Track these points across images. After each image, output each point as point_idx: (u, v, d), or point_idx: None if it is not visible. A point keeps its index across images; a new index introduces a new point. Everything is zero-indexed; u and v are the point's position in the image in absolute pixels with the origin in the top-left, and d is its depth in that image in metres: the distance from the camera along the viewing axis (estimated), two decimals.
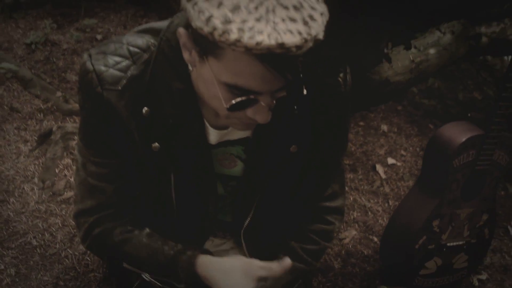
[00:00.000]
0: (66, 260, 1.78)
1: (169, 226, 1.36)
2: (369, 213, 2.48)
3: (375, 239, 2.35)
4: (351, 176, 2.61)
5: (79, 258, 1.79)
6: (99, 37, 3.11)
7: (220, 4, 0.81)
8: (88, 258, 1.80)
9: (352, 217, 2.42)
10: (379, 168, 2.76)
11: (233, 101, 0.95)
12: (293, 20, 0.82)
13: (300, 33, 0.81)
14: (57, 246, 1.82)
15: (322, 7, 0.88)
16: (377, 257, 2.25)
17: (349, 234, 2.32)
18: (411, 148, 3.01)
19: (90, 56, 1.16)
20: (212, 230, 1.48)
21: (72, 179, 2.09)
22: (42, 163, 2.12)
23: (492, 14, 2.47)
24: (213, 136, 1.24)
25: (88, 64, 1.14)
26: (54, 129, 2.19)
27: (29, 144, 2.24)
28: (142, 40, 1.18)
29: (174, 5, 2.98)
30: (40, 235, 1.85)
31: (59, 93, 2.54)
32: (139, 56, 1.16)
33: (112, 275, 1.75)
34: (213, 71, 0.95)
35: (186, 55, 1.02)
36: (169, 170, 1.25)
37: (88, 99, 1.16)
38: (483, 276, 2.44)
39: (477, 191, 2.05)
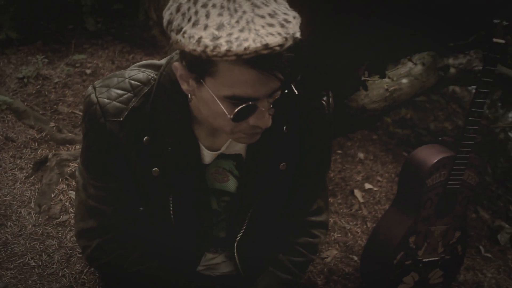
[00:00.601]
0: (64, 279, 1.82)
1: (167, 244, 1.42)
2: (349, 234, 2.57)
3: (355, 258, 2.43)
4: (331, 200, 2.71)
5: (76, 277, 1.84)
6: (88, 71, 3.19)
7: (206, 27, 0.93)
8: (84, 277, 1.84)
9: (333, 238, 2.51)
10: (357, 193, 2.87)
11: (236, 110, 1.03)
12: (271, 25, 0.93)
13: (279, 33, 0.93)
14: (55, 266, 1.86)
15: (293, 13, 1.00)
16: (358, 275, 2.34)
17: (331, 254, 2.41)
18: (386, 174, 3.12)
19: (94, 89, 1.24)
20: (207, 247, 1.53)
21: (67, 203, 2.15)
22: (38, 189, 2.17)
23: (459, 47, 2.62)
24: (208, 157, 1.33)
25: (93, 97, 1.22)
26: (49, 156, 2.25)
27: (24, 171, 2.29)
28: (143, 75, 1.27)
29: (160, 41, 3.09)
30: (37, 256, 1.89)
31: (52, 123, 2.60)
32: (140, 89, 1.25)
33: None
34: (212, 89, 1.04)
35: (184, 86, 1.13)
36: (168, 192, 1.32)
37: (92, 129, 1.24)
38: None
39: (450, 210, 2.17)
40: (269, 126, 1.12)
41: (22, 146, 2.45)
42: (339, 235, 2.54)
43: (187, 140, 1.27)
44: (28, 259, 1.88)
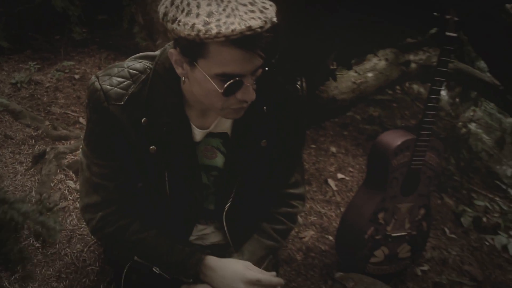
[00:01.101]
0: (66, 257, 1.96)
1: (163, 215, 1.58)
2: (324, 217, 2.75)
3: (330, 237, 2.60)
4: (307, 188, 2.89)
5: (77, 255, 1.97)
6: (77, 76, 3.33)
7: (198, 15, 1.12)
8: (85, 255, 1.98)
9: (309, 221, 2.69)
10: (330, 181, 3.05)
11: (225, 85, 1.21)
12: (252, 11, 1.12)
13: (259, 17, 1.12)
14: (57, 246, 2.00)
15: (270, 1, 1.19)
16: (333, 252, 2.50)
17: (308, 234, 2.58)
18: (357, 166, 3.31)
19: (97, 77, 1.41)
20: (198, 218, 1.68)
21: (66, 191, 2.28)
22: (38, 179, 2.29)
23: (419, 44, 2.84)
24: (198, 135, 1.49)
25: (97, 84, 1.38)
26: (47, 150, 2.38)
27: (24, 165, 2.41)
28: (140, 64, 1.44)
29: (142, 48, 3.23)
30: (41, 238, 2.03)
31: (47, 122, 2.74)
32: (138, 77, 1.42)
33: (108, 263, 1.94)
34: (204, 69, 1.22)
35: (179, 70, 1.30)
36: (164, 167, 1.48)
37: (96, 112, 1.39)
38: (425, 267, 2.71)
39: (414, 188, 2.35)
40: (253, 100, 1.29)
41: (20, 143, 2.57)
42: (315, 218, 2.71)
43: (180, 120, 1.43)
44: (32, 241, 2.00)
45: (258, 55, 1.18)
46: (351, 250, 2.34)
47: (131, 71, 1.43)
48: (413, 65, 2.74)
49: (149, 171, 1.49)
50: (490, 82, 3.09)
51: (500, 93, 3.10)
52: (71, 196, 2.26)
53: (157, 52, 1.45)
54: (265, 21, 1.12)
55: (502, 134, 3.87)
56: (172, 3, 1.17)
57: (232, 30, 1.09)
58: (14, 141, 2.57)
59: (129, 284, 1.63)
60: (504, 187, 3.39)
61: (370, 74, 2.56)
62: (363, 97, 2.56)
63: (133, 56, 1.50)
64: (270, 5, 1.17)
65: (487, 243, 3.09)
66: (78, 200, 2.13)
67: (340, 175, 3.12)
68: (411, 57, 2.76)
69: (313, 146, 3.29)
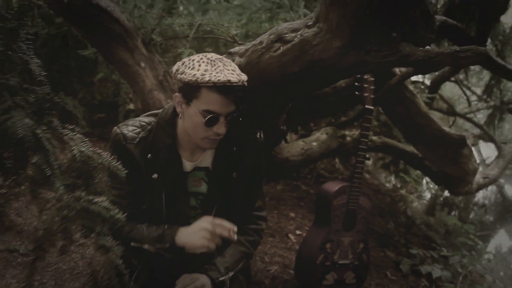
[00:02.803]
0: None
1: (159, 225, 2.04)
2: (286, 259, 3.28)
3: (291, 271, 3.11)
4: (271, 239, 3.44)
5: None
6: None
7: (198, 70, 1.79)
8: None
9: (274, 260, 3.21)
10: (290, 235, 3.61)
11: (207, 118, 1.83)
12: (232, 73, 1.79)
13: (236, 77, 1.78)
14: (80, 268, 2.48)
15: (243, 73, 1.84)
16: (294, 281, 3.00)
17: (273, 268, 3.11)
18: None
19: (118, 127, 2.03)
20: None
21: None
22: None
23: (350, 121, 3.54)
24: (188, 166, 2.07)
25: (118, 130, 2.01)
26: None
27: None
28: (148, 118, 2.09)
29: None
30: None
31: None
32: (146, 126, 2.05)
33: None
34: (195, 106, 1.85)
35: (178, 109, 1.94)
36: (162, 190, 2.03)
37: (116, 150, 1.99)
38: None
39: (353, 225, 2.91)
40: (223, 134, 1.90)
41: None
42: (279, 259, 3.25)
43: (174, 156, 2.02)
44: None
45: (232, 102, 1.83)
46: (306, 273, 2.86)
47: (141, 123, 2.06)
48: (348, 138, 3.42)
49: (152, 193, 2.02)
50: (411, 152, 3.78)
51: (420, 161, 3.79)
52: None
53: (159, 111, 2.10)
54: (240, 80, 1.78)
55: (433, 202, 4.51)
56: (183, 64, 1.84)
57: (218, 80, 1.74)
58: None
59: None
60: (438, 247, 3.91)
61: (314, 143, 3.21)
62: (309, 160, 3.19)
63: (143, 114, 2.14)
64: (244, 75, 1.84)
65: (423, 284, 3.61)
66: None
67: (298, 232, 3.69)
68: (347, 132, 3.45)
69: (275, 211, 3.89)
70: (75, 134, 1.31)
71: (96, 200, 1.25)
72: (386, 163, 4.61)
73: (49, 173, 1.22)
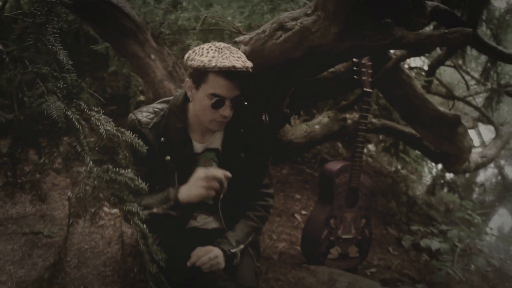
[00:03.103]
0: (108, 253, 2.61)
1: None
2: (292, 236, 3.44)
3: (298, 247, 3.27)
4: (278, 219, 3.60)
5: (115, 252, 2.61)
6: None
7: (206, 56, 1.94)
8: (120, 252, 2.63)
9: (281, 238, 3.38)
10: (296, 215, 3.77)
11: (213, 101, 1.98)
12: (237, 59, 1.94)
13: (241, 63, 1.93)
14: (101, 247, 2.65)
15: (249, 61, 1.99)
16: (300, 256, 3.15)
17: (281, 245, 3.27)
18: None
19: (133, 113, 2.19)
20: (199, 207, 2.31)
21: (103, 214, 2.95)
22: None
23: (350, 105, 3.69)
24: (199, 148, 2.22)
25: (133, 116, 2.17)
26: None
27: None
28: (160, 105, 2.24)
29: None
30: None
31: None
32: (158, 112, 2.21)
33: None
34: (203, 90, 2.00)
35: (189, 93, 2.09)
36: (175, 171, 2.18)
37: (133, 134, 2.15)
38: (373, 270, 3.35)
39: (355, 202, 3.07)
40: (230, 117, 2.04)
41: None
42: (287, 236, 3.41)
43: (185, 139, 2.18)
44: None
45: (237, 86, 1.98)
46: (312, 247, 3.02)
47: (154, 109, 2.21)
48: (349, 121, 3.57)
49: (165, 174, 2.17)
50: (409, 133, 3.93)
51: (418, 141, 3.94)
52: (106, 217, 2.94)
53: (171, 98, 2.25)
54: (243, 66, 1.93)
55: (433, 182, 4.65)
56: (193, 51, 1.99)
57: (224, 65, 1.88)
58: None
59: None
60: (438, 225, 4.05)
61: (317, 126, 3.36)
62: (312, 142, 3.34)
63: (157, 101, 2.30)
64: (248, 61, 1.99)
65: (424, 259, 3.76)
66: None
67: (303, 212, 3.85)
68: (347, 115, 3.60)
69: (282, 193, 4.04)
70: (101, 115, 1.46)
71: (122, 172, 1.40)
72: (387, 146, 4.76)
73: (80, 150, 1.38)
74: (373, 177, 3.14)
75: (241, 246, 2.25)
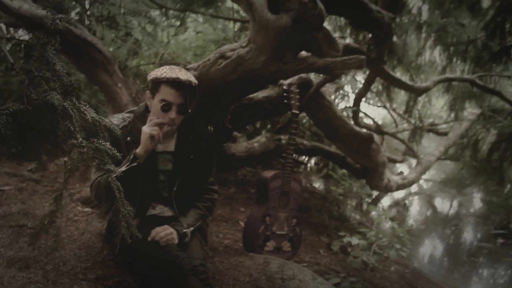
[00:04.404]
0: (82, 240, 3.07)
1: (136, 195, 2.65)
2: (236, 236, 3.95)
3: (240, 244, 3.77)
4: (225, 224, 4.13)
5: (87, 239, 3.08)
6: None
7: (159, 72, 2.54)
8: (93, 239, 3.10)
9: (227, 237, 3.89)
10: (240, 222, 4.30)
11: (162, 104, 2.55)
12: (184, 75, 2.55)
13: (185, 76, 2.54)
14: (76, 237, 3.11)
15: (194, 79, 2.59)
16: (242, 247, 3.65)
17: (226, 241, 3.77)
18: None
19: (107, 117, 2.71)
20: (157, 199, 2.80)
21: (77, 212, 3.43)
22: None
23: (283, 127, 4.31)
24: (159, 147, 2.75)
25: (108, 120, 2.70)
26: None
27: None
28: (128, 114, 2.81)
29: None
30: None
31: None
32: (126, 118, 2.76)
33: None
34: (157, 98, 2.59)
35: (148, 102, 2.68)
36: (139, 166, 2.66)
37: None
38: (305, 264, 3.87)
39: (287, 204, 3.62)
40: (174, 120, 2.58)
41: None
42: (231, 236, 3.93)
43: None
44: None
45: (181, 95, 2.54)
46: (251, 240, 3.53)
47: (123, 116, 2.76)
48: (283, 141, 4.19)
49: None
50: (335, 153, 4.57)
51: (343, 159, 4.57)
52: (79, 214, 3.42)
53: (136, 108, 2.82)
54: (187, 79, 2.52)
55: (359, 200, 5.28)
56: (153, 71, 2.57)
57: (170, 77, 2.49)
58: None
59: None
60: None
61: (256, 144, 3.96)
62: (252, 157, 3.94)
63: (125, 111, 2.85)
64: (193, 78, 2.58)
65: (350, 259, 4.32)
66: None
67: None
68: (282, 136, 4.22)
69: (228, 206, 4.58)
70: (88, 107, 2.00)
71: (102, 143, 1.94)
72: (319, 167, 5.39)
73: (73, 129, 1.91)
74: (302, 184, 3.72)
75: (191, 228, 2.73)
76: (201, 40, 4.62)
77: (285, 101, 3.58)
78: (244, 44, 2.94)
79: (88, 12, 4.81)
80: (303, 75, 3.82)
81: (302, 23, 2.76)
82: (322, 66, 2.85)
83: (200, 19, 5.55)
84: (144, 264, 2.57)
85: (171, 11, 5.33)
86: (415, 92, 4.99)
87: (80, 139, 1.92)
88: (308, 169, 6.45)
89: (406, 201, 7.89)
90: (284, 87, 3.60)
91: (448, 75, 5.44)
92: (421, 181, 9.19)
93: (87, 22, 4.32)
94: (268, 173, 3.59)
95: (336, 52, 3.06)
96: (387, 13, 3.22)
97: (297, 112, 3.57)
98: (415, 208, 8.09)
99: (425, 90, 4.72)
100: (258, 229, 3.50)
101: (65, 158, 1.82)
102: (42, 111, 1.96)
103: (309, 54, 2.95)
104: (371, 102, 8.22)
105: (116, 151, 1.97)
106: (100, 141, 1.94)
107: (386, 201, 7.50)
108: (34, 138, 2.00)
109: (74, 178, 4.11)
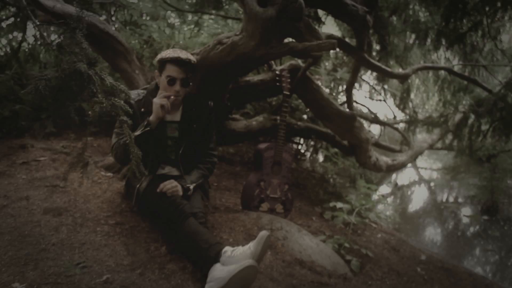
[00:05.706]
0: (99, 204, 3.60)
1: (149, 156, 3.24)
2: (237, 201, 4.42)
3: (239, 206, 4.25)
4: (228, 192, 4.62)
5: (101, 202, 3.62)
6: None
7: (164, 53, 3.11)
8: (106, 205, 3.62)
9: (229, 201, 4.38)
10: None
11: (168, 79, 3.09)
12: (185, 54, 3.11)
13: (185, 55, 3.10)
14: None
15: (193, 58, 3.13)
16: (240, 208, 4.14)
17: (227, 204, 4.26)
18: None
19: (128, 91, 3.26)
20: (166, 161, 3.36)
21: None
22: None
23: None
24: (168, 117, 3.29)
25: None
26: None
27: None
28: (142, 90, 3.38)
29: None
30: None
31: None
32: (141, 93, 3.34)
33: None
34: (163, 75, 3.16)
35: (157, 80, 3.22)
36: (151, 133, 3.24)
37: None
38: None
39: (279, 172, 4.10)
40: (179, 92, 3.13)
41: None
42: (232, 200, 4.42)
43: None
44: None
45: (183, 71, 3.07)
46: (248, 201, 4.00)
47: (139, 91, 3.32)
48: (279, 121, 4.67)
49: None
50: (326, 132, 5.04)
51: (332, 138, 5.04)
52: (102, 177, 3.95)
53: (148, 86, 3.35)
54: (187, 57, 3.05)
55: (353, 174, 5.72)
56: (159, 54, 3.09)
57: (172, 56, 3.03)
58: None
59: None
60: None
61: (254, 122, 4.45)
62: (251, 133, 4.44)
63: (141, 88, 3.39)
64: (193, 57, 3.10)
65: (338, 226, 4.77)
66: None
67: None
68: (277, 117, 4.71)
69: (233, 180, 5.08)
70: (106, 75, 2.53)
71: (118, 100, 2.47)
72: (316, 148, 5.86)
73: (95, 91, 2.44)
74: (293, 155, 4.20)
75: (194, 184, 3.25)
76: (211, 37, 5.17)
77: (278, 84, 4.07)
78: (237, 33, 3.46)
79: (113, 18, 5.39)
80: (293, 62, 4.33)
81: (285, 14, 3.24)
82: (302, 49, 3.33)
83: (210, 21, 6.12)
84: (154, 210, 3.09)
85: (188, 18, 5.92)
86: (396, 78, 5.42)
87: (101, 96, 2.45)
88: (310, 157, 6.94)
89: (408, 191, 8.34)
90: (277, 72, 4.10)
91: (427, 64, 5.90)
92: (420, 170, 9.59)
93: (113, 27, 4.89)
94: (263, 145, 4.07)
95: (318, 39, 3.54)
96: (361, 7, 3.69)
97: (288, 93, 4.06)
98: (416, 195, 8.51)
99: (405, 76, 5.16)
100: (253, 192, 3.97)
101: (89, 112, 2.29)
102: (72, 77, 2.49)
103: (292, 40, 3.45)
104: (374, 97, 8.69)
105: (128, 107, 2.49)
106: (116, 99, 2.47)
107: (386, 189, 7.98)
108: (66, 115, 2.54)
109: (98, 152, 4.68)
